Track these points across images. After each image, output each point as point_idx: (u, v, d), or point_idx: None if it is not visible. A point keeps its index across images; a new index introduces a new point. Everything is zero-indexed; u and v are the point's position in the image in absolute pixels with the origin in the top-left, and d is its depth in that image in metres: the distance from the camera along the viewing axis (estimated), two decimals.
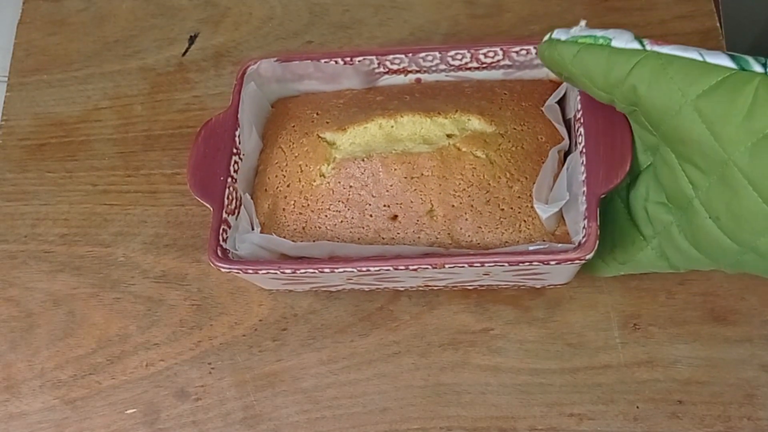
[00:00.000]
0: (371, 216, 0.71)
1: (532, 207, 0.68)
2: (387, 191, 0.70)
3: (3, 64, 1.02)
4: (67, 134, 0.98)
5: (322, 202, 0.74)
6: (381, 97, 0.78)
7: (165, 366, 0.85)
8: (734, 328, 0.78)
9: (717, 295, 0.80)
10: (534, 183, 0.68)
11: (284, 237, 0.75)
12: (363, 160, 0.72)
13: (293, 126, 0.78)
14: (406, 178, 0.69)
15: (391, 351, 0.79)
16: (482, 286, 0.78)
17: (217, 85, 0.98)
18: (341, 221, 0.74)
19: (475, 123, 0.70)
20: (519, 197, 0.69)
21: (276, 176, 0.77)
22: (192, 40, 0.99)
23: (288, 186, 0.76)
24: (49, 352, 0.83)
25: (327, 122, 0.77)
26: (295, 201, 0.75)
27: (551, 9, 0.96)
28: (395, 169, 0.69)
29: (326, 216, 0.74)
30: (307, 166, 0.75)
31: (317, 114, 0.78)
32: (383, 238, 0.70)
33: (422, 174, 0.69)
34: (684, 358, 0.77)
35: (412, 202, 0.69)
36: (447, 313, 0.82)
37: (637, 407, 0.76)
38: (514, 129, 0.71)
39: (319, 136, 0.76)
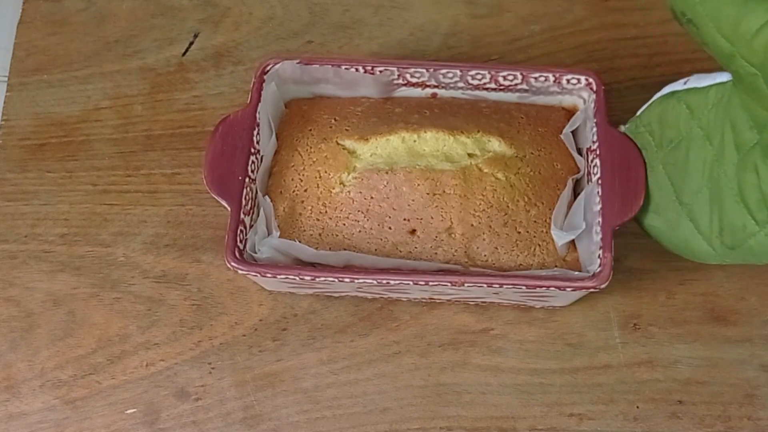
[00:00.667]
0: (390, 228, 0.71)
1: (547, 232, 0.70)
2: (408, 205, 0.71)
3: (3, 64, 1.01)
4: (67, 134, 0.96)
5: (341, 211, 0.74)
6: (400, 109, 0.78)
7: (165, 366, 0.84)
8: (734, 328, 0.78)
9: (717, 295, 0.80)
10: (549, 209, 0.71)
11: (300, 242, 0.74)
12: (387, 173, 0.72)
13: (310, 130, 0.77)
14: (428, 194, 0.70)
15: (391, 351, 0.79)
16: (485, 301, 0.79)
17: (217, 85, 0.97)
18: (359, 231, 0.74)
19: (496, 145, 0.72)
20: (535, 221, 0.71)
21: (293, 180, 0.76)
22: (194, 38, 0.99)
23: (305, 191, 0.76)
24: (49, 352, 0.82)
25: (346, 129, 0.77)
26: (312, 207, 0.75)
27: (551, 9, 0.96)
28: (418, 185, 0.70)
29: (344, 225, 0.74)
30: (326, 172, 0.75)
31: (335, 120, 0.78)
32: (400, 251, 0.71)
33: (444, 191, 0.70)
34: (684, 358, 0.77)
35: (432, 218, 0.70)
36: (447, 313, 0.82)
37: (637, 407, 0.76)
38: (532, 154, 0.73)
39: (339, 143, 0.76)
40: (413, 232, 0.71)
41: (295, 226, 0.74)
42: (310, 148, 0.76)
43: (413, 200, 0.70)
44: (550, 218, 0.70)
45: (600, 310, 0.81)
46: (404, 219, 0.71)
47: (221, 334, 0.83)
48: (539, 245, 0.70)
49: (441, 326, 0.79)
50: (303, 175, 0.75)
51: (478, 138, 0.72)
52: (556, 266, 0.69)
